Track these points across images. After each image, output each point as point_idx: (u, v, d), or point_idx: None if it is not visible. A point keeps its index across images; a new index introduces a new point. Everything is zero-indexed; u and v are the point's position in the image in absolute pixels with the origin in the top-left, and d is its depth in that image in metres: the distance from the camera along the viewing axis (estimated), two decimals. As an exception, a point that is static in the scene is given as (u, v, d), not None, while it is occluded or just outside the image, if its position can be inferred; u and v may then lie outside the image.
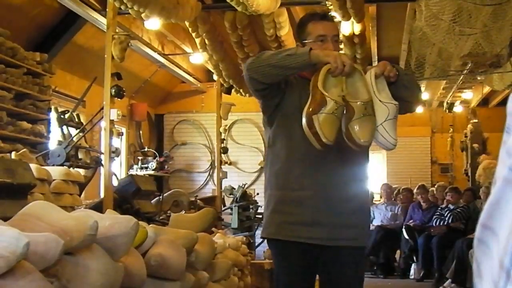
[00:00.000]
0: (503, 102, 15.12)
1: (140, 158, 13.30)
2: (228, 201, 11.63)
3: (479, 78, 11.57)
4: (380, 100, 3.25)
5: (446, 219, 11.00)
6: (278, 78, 3.31)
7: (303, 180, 3.39)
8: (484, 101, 15.22)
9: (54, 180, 5.88)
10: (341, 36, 9.17)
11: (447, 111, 14.82)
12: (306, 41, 3.48)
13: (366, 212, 3.71)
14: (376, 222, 11.95)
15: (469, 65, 9.55)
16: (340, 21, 7.37)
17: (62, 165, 7.16)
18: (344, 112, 3.16)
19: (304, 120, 3.14)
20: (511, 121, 1.00)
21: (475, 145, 14.31)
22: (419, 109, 15.43)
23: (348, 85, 3.24)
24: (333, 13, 8.00)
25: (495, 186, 0.97)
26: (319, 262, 3.46)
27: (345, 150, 3.27)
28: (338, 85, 3.22)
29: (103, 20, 8.29)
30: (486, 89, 13.28)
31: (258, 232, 12.02)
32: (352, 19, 8.12)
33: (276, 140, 3.51)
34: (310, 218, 3.35)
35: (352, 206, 3.43)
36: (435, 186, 12.55)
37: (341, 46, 9.17)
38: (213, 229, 6.76)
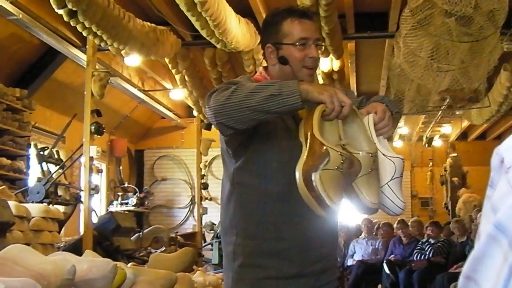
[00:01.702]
0: (482, 136, 15.28)
1: (120, 194, 13.24)
2: (208, 236, 11.59)
3: (457, 113, 11.66)
4: (383, 154, 2.60)
5: (427, 253, 10.99)
6: (256, 122, 2.50)
7: (281, 228, 2.69)
8: (463, 135, 15.35)
9: (33, 217, 5.84)
10: (319, 72, 9.24)
11: (426, 145, 14.91)
12: (283, 44, 2.73)
13: (336, 250, 3.06)
14: (357, 257, 11.93)
15: (448, 100, 9.63)
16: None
17: (41, 202, 7.14)
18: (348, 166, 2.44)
19: (300, 179, 2.39)
20: (495, 175, 1.01)
21: (455, 179, 14.37)
22: (399, 143, 15.55)
23: (347, 130, 2.55)
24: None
25: (479, 240, 0.98)
26: None
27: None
28: (334, 131, 2.50)
29: (83, 57, 8.30)
30: (465, 123, 13.38)
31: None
32: (331, 55, 8.18)
33: (244, 175, 2.72)
34: (290, 270, 2.68)
35: (329, 248, 2.85)
36: (410, 222, 12.57)
37: (321, 82, 9.22)
38: (194, 266, 6.72)
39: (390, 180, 2.56)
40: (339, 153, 2.37)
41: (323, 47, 2.80)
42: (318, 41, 2.77)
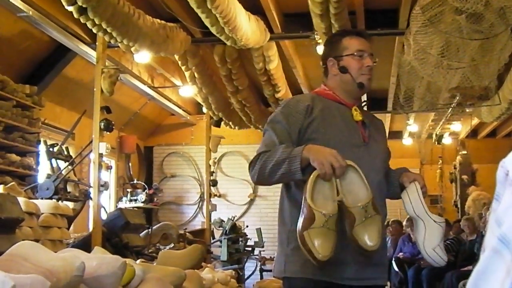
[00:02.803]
0: (492, 134, 15.23)
1: (129, 190, 13.25)
2: (217, 233, 11.60)
3: (467, 110, 11.62)
4: (434, 221, 3.22)
5: (436, 251, 10.97)
6: (285, 182, 3.20)
7: None
8: (473, 133, 15.29)
9: (42, 213, 5.85)
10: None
11: (436, 143, 14.88)
12: (343, 56, 3.31)
13: (386, 249, 3.49)
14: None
15: (458, 98, 9.59)
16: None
17: (50, 198, 7.15)
18: (345, 218, 2.96)
19: (298, 237, 2.92)
20: (500, 188, 1.00)
21: (464, 177, 14.34)
22: (408, 141, 15.51)
23: (343, 186, 2.98)
24: (322, 46, 8.05)
25: (483, 253, 0.98)
26: None
27: (372, 183, 3.10)
28: (332, 188, 2.97)
29: (93, 53, 8.30)
30: (475, 121, 13.34)
31: (248, 265, 12.01)
32: (341, 52, 8.15)
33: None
34: (338, 256, 3.02)
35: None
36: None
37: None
38: (202, 263, 6.72)
39: (440, 241, 3.22)
40: (321, 213, 2.87)
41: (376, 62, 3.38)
42: (372, 55, 3.35)
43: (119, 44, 7.13)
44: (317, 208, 2.89)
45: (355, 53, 3.30)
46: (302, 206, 2.95)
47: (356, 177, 3.02)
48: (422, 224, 3.24)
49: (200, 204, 14.52)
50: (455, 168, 14.91)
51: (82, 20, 6.20)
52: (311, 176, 2.91)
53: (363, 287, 3.22)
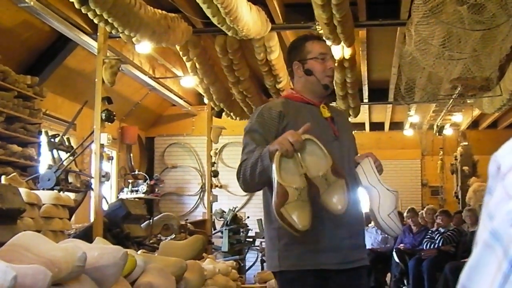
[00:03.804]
0: (493, 125, 15.22)
1: (130, 181, 13.26)
2: (218, 224, 11.61)
3: (469, 101, 11.61)
4: (387, 189, 3.44)
5: (437, 242, 10.97)
6: (268, 182, 3.28)
7: (316, 211, 3.27)
8: (474, 124, 15.29)
9: (44, 204, 5.86)
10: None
11: (437, 133, 14.87)
12: (307, 59, 3.57)
13: (364, 233, 3.83)
14: (367, 246, 11.94)
15: (459, 88, 9.58)
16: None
17: (52, 189, 7.15)
18: (312, 189, 3.18)
19: (276, 214, 3.12)
20: (492, 182, 1.00)
21: (465, 168, 14.33)
22: (409, 132, 15.51)
23: (306, 158, 3.22)
24: (323, 37, 8.04)
25: (476, 248, 0.98)
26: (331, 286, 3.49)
27: (349, 177, 3.34)
28: (297, 164, 3.20)
29: (94, 44, 8.30)
30: (476, 112, 13.33)
31: (249, 256, 12.04)
32: (342, 43, 8.15)
33: None
34: (328, 244, 3.36)
35: (358, 227, 3.57)
36: (424, 209, 12.54)
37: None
38: (203, 254, 6.73)
39: (394, 209, 3.43)
40: (293, 188, 3.10)
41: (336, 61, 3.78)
42: (333, 57, 3.71)
43: (120, 35, 7.13)
44: (289, 184, 3.11)
45: (318, 56, 3.58)
46: (273, 187, 3.13)
47: (316, 148, 3.24)
48: (376, 193, 3.45)
49: (201, 195, 14.52)
50: (456, 159, 14.90)
51: (83, 11, 6.19)
52: (275, 156, 3.12)
53: (351, 270, 3.46)
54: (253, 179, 3.28)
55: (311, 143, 3.24)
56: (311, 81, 3.58)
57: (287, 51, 3.87)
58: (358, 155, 3.63)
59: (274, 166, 3.11)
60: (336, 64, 3.65)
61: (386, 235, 12.04)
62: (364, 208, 3.63)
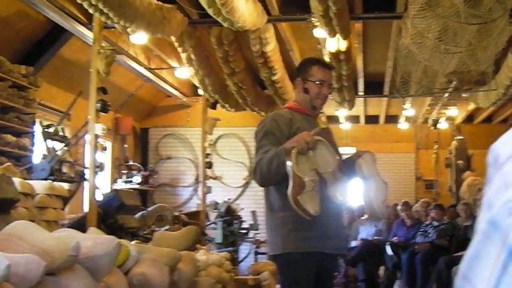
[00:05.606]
0: (488, 119, 15.24)
1: (124, 172, 13.25)
2: (212, 216, 11.61)
3: (464, 95, 11.61)
4: (382, 181, 4.16)
5: (430, 236, 10.99)
6: (283, 176, 3.88)
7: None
8: (469, 118, 15.31)
9: (38, 194, 5.84)
10: (327, 52, 9.21)
11: (432, 127, 14.88)
12: (308, 80, 4.29)
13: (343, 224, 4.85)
14: (361, 237, 11.94)
15: (454, 82, 9.58)
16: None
17: (46, 179, 7.14)
18: (320, 182, 3.88)
19: (292, 202, 3.78)
20: (491, 172, 1.00)
21: (460, 162, 14.34)
22: (404, 125, 15.52)
23: (317, 157, 3.92)
24: (319, 29, 8.03)
25: (475, 238, 0.97)
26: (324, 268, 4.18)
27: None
28: (310, 160, 3.88)
29: (89, 34, 8.27)
30: (471, 106, 13.34)
31: (243, 247, 12.04)
32: (338, 35, 8.14)
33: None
34: (324, 232, 4.02)
35: (342, 221, 4.56)
36: (419, 203, 12.56)
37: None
38: (197, 245, 6.73)
39: (385, 198, 4.20)
40: (310, 180, 3.78)
41: (333, 89, 4.37)
42: (331, 85, 4.46)
43: (116, 25, 7.10)
44: (306, 177, 3.80)
45: (318, 81, 4.29)
46: (290, 178, 3.79)
47: (325, 148, 3.97)
48: (373, 183, 4.12)
49: (196, 186, 14.52)
50: (450, 153, 14.91)
51: (78, 1, 6.18)
52: (292, 153, 3.80)
53: (338, 255, 4.64)
54: (269, 172, 3.89)
55: (321, 144, 3.94)
56: (306, 98, 4.32)
57: (297, 66, 4.68)
58: (358, 150, 4.40)
59: (291, 161, 3.77)
60: (331, 93, 4.89)
61: (379, 228, 12.07)
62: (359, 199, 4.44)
